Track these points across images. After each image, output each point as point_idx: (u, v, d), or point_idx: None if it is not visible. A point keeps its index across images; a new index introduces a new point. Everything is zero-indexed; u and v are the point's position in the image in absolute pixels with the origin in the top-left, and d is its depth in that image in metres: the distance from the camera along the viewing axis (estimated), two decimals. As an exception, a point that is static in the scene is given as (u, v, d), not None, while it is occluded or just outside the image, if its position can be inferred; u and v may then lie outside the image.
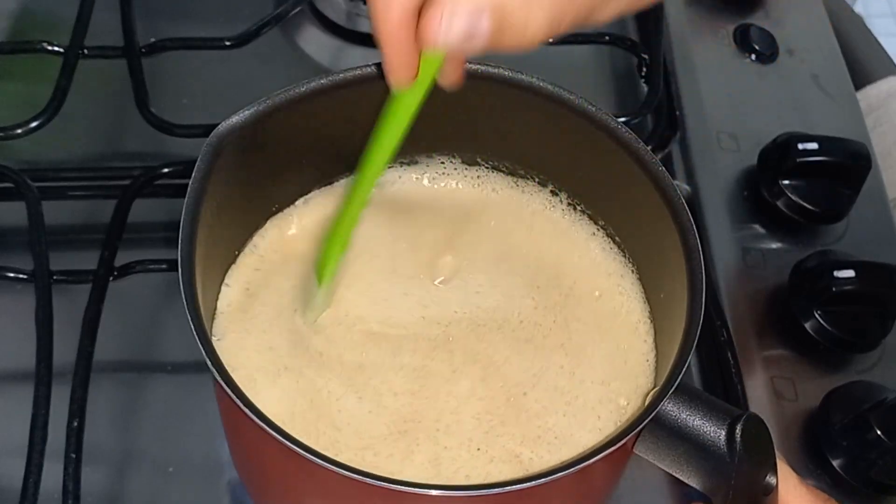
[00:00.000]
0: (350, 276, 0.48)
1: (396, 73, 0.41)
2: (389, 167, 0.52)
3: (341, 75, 0.46)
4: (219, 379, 0.38)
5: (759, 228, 0.66)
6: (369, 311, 0.48)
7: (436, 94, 0.48)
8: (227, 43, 0.70)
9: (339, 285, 0.48)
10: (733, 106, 0.72)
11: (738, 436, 0.39)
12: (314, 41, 0.76)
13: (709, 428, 0.40)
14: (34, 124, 0.64)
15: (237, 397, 0.37)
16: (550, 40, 0.40)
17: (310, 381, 0.45)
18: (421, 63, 0.41)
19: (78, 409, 0.53)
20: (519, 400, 0.45)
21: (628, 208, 0.48)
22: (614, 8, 0.41)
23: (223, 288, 0.48)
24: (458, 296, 0.49)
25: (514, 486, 0.36)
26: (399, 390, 0.45)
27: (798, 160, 0.64)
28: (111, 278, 0.59)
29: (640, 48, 0.73)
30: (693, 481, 0.41)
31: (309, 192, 0.51)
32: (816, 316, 0.60)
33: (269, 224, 0.50)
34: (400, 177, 0.52)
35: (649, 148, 0.45)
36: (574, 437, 0.44)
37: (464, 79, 0.44)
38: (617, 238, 0.50)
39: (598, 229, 0.51)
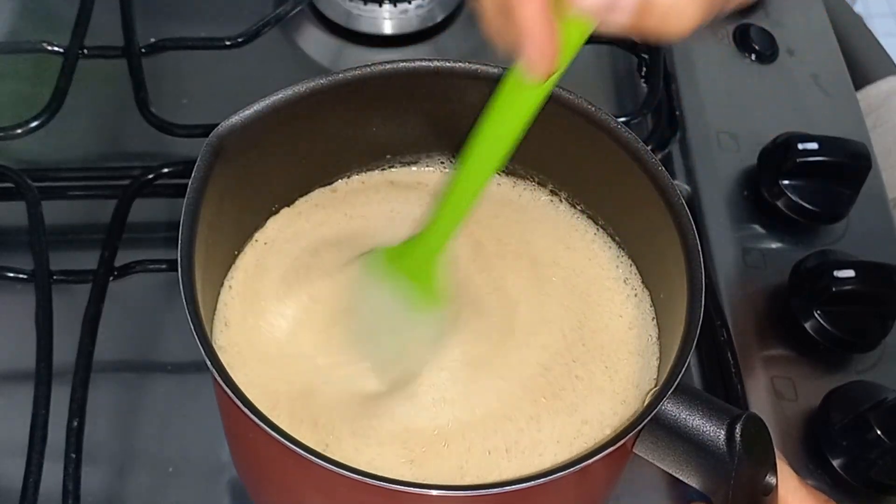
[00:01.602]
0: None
1: (540, 55, 0.36)
2: (388, 167, 0.52)
3: (341, 75, 0.46)
4: (219, 379, 0.38)
5: (759, 228, 0.66)
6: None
7: (435, 94, 0.48)
8: (227, 43, 0.70)
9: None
10: (733, 106, 0.72)
11: (738, 436, 0.39)
12: (314, 41, 0.76)
13: (708, 428, 0.40)
14: (34, 124, 0.64)
15: (237, 397, 0.37)
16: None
17: (305, 370, 0.45)
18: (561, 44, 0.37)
19: (78, 409, 0.53)
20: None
21: (628, 208, 0.48)
22: None
23: (223, 288, 0.48)
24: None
25: (514, 486, 0.36)
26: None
27: (798, 160, 0.64)
28: (111, 278, 0.59)
29: (639, 48, 0.73)
30: (693, 481, 0.41)
31: (309, 192, 0.51)
32: (816, 316, 0.60)
33: (269, 224, 0.50)
34: (399, 177, 0.52)
35: (649, 148, 0.45)
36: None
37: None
38: (617, 238, 0.50)
39: (598, 229, 0.51)
